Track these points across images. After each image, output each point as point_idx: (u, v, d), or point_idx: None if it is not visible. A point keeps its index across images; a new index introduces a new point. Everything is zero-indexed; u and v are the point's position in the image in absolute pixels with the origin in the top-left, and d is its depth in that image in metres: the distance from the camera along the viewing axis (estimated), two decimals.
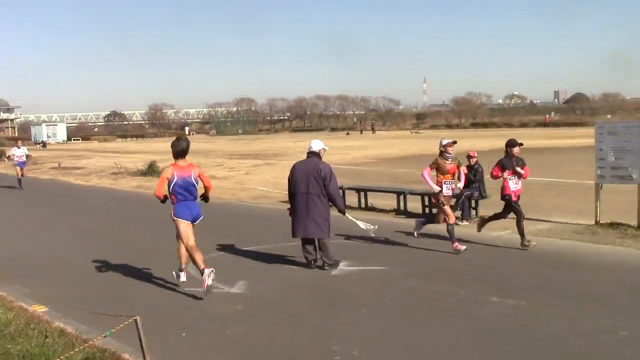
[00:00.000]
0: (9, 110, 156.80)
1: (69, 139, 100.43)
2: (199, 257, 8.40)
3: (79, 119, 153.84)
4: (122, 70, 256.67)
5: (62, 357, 5.56)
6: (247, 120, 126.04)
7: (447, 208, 10.70)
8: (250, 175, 25.91)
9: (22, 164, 25.15)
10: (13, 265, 10.80)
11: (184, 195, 8.57)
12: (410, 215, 14.57)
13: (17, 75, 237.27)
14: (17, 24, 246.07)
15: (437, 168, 10.75)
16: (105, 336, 5.76)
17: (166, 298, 8.50)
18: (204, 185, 8.94)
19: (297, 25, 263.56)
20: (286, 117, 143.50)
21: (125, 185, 24.23)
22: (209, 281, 8.13)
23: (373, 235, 11.13)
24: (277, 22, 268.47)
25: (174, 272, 8.93)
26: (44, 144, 77.48)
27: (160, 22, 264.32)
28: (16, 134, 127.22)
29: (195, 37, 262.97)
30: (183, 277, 8.87)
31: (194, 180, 8.61)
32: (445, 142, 10.69)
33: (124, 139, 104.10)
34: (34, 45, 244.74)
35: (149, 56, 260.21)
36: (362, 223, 10.93)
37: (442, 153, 10.73)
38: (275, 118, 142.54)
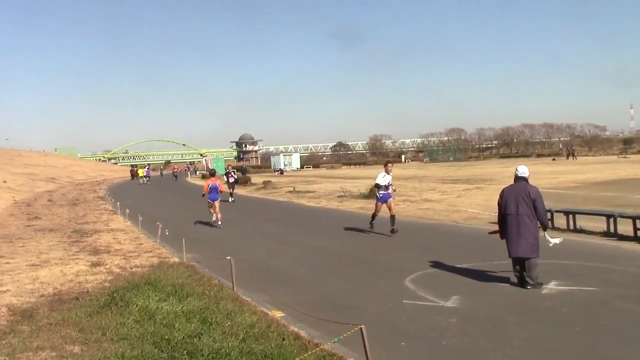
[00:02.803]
0: (254, 142, 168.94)
1: (301, 166, 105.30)
2: (216, 211, 19.71)
3: (310, 149, 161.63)
4: (347, 106, 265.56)
5: (297, 359, 5.69)
6: (457, 148, 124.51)
7: None
8: (462, 198, 25.36)
9: (387, 196, 16.06)
10: (256, 274, 11.38)
11: (213, 190, 19.86)
12: (621, 237, 13.40)
13: (260, 111, 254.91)
14: (260, 70, 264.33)
15: None
16: (334, 342, 5.84)
17: (388, 308, 8.46)
18: (220, 187, 20.43)
19: (502, 59, 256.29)
20: (493, 145, 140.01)
21: (350, 207, 24.76)
22: (218, 223, 19.51)
23: (557, 243, 10.21)
24: (484, 56, 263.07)
25: (212, 222, 19.98)
26: (282, 172, 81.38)
27: (381, 66, 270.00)
28: (259, 163, 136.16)
29: (411, 76, 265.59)
30: (219, 223, 19.60)
31: (217, 185, 20.05)
32: None
33: (348, 166, 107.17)
34: (273, 86, 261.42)
35: (371, 93, 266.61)
36: (551, 237, 10.21)
37: None
38: (484, 146, 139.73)
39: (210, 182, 20.18)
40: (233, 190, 32.55)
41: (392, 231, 15.63)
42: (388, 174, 16.10)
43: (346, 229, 17.75)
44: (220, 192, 20.29)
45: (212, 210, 19.94)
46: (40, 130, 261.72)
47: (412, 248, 13.63)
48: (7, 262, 13.02)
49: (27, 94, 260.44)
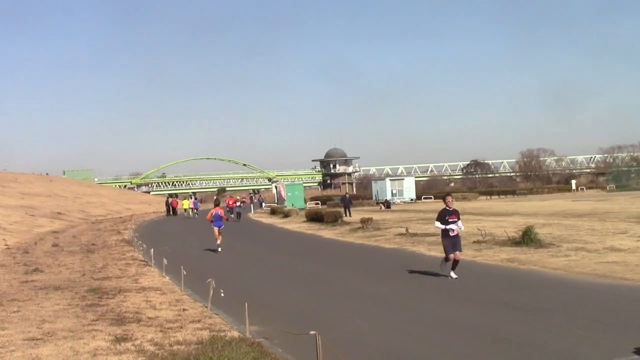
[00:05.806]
0: (346, 162, 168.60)
1: (418, 197, 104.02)
2: (219, 240, 32.59)
3: (430, 170, 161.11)
4: (486, 108, 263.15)
5: None
6: None
7: None
8: None
9: None
10: (355, 358, 11.32)
11: (216, 218, 33.01)
12: None
13: (354, 118, 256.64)
14: (353, 62, 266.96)
15: None
16: None
17: None
18: (222, 215, 33.90)
19: None
20: None
21: (492, 258, 24.31)
22: (219, 249, 32.46)
23: None
24: None
25: (216, 247, 32.67)
26: (388, 204, 79.74)
27: (537, 53, 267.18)
28: (354, 191, 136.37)
29: (584, 67, 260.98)
30: (219, 249, 32.36)
31: (220, 214, 33.34)
32: None
33: (489, 197, 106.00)
34: (374, 84, 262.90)
35: (522, 90, 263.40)
36: None
37: None
38: None
39: (214, 211, 33.28)
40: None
41: None
42: None
43: (488, 291, 17.43)
44: (225, 219, 34.62)
45: (216, 236, 32.75)
46: (43, 146, 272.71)
47: (594, 323, 13.19)
48: None
49: (26, 100, 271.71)
